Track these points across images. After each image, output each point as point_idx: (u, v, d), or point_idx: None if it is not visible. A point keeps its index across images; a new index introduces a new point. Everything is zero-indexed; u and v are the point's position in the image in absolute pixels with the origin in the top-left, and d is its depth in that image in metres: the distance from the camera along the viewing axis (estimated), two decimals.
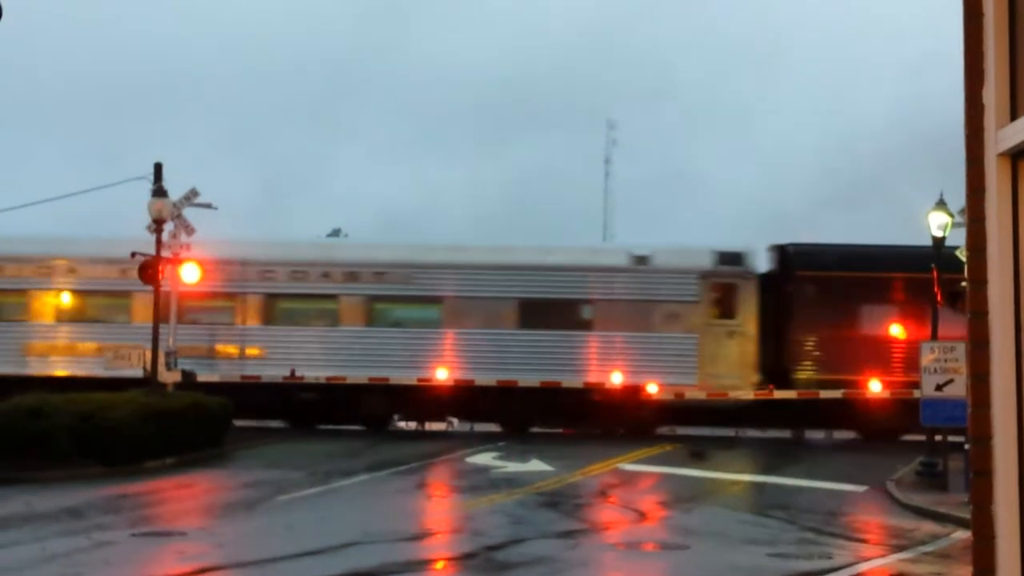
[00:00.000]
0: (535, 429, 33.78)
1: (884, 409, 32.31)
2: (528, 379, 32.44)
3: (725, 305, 32.98)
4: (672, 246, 33.87)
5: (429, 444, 30.67)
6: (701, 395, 32.29)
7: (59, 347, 33.12)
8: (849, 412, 32.51)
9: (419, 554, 15.93)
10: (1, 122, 67.17)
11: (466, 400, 33.25)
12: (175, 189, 30.73)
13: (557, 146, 78.13)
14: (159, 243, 28.54)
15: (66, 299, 33.52)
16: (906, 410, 32.08)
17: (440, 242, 35.72)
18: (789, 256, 33.59)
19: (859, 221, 58.86)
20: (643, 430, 32.93)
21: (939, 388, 22.44)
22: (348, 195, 75.04)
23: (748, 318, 32.86)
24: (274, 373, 32.55)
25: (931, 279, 32.21)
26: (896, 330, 32.55)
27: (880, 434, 32.52)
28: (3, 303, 33.66)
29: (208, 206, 32.62)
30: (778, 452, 30.23)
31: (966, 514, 16.31)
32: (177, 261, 30.34)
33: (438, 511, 20.96)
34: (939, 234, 24.70)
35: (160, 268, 28.46)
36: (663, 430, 34.18)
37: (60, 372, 32.30)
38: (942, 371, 22.48)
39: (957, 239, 24.02)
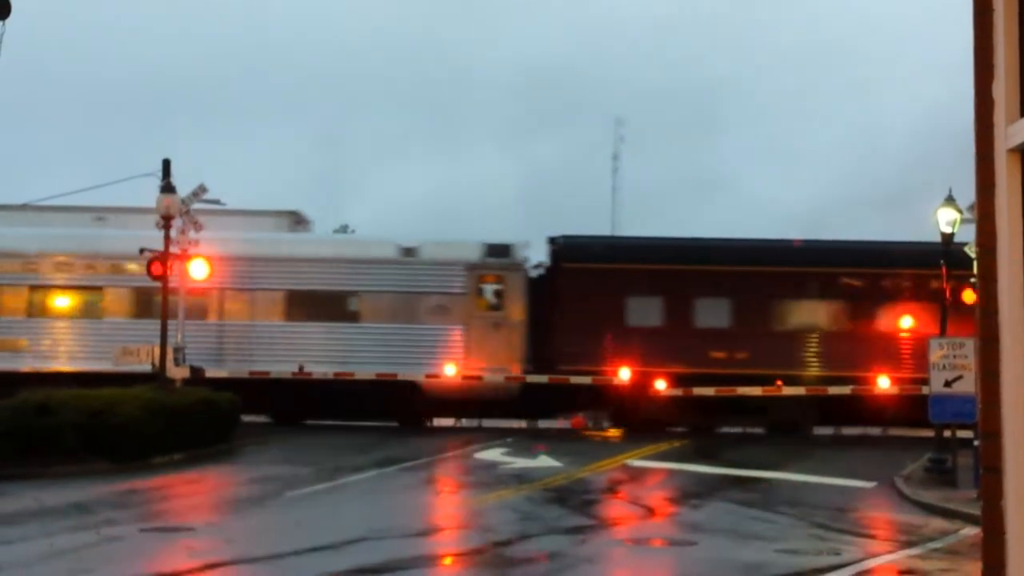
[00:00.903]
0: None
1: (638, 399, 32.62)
2: (284, 370, 32.43)
3: (492, 297, 33.33)
4: (441, 238, 33.94)
5: (438, 440, 30.68)
6: (457, 380, 32.50)
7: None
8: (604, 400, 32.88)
9: (427, 550, 15.94)
10: (28, 121, 67.40)
11: (231, 391, 32.45)
12: (213, 192, 31.55)
13: (588, 143, 78.29)
14: (167, 239, 28.56)
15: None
16: (677, 402, 32.37)
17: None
18: (558, 248, 33.76)
19: (880, 221, 58.80)
20: (413, 422, 33.12)
21: (948, 384, 22.43)
22: (377, 192, 74.89)
23: (515, 310, 33.10)
24: (38, 365, 32.48)
25: (701, 271, 32.64)
26: (660, 321, 32.73)
27: (645, 427, 32.82)
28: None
29: (216, 202, 32.64)
30: (787, 448, 30.17)
31: (975, 510, 16.26)
32: (185, 257, 30.34)
33: (446, 507, 20.97)
34: (947, 230, 24.59)
35: (168, 264, 28.50)
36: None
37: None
38: (951, 367, 22.47)
39: (966, 235, 23.99)
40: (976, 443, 18.86)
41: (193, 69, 73.92)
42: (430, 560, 15.20)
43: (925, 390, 31.02)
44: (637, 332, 32.47)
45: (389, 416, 33.42)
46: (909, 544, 16.67)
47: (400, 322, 32.96)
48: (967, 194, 23.39)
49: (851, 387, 32.06)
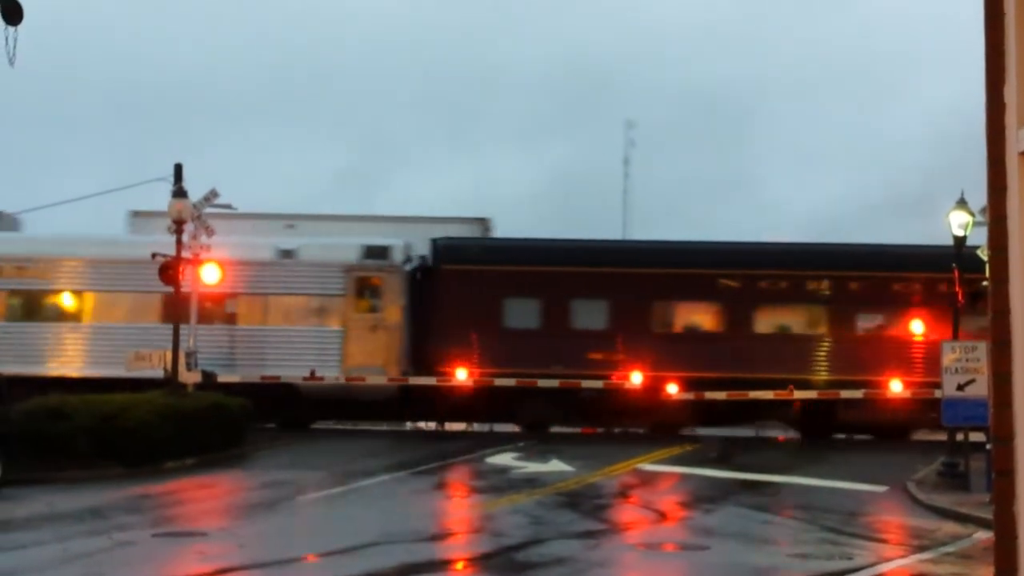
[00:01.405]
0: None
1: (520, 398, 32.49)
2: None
3: (371, 298, 33.22)
4: (320, 240, 33.65)
5: (449, 444, 30.67)
6: (340, 381, 32.27)
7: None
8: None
9: (439, 554, 15.95)
10: (42, 124, 67.53)
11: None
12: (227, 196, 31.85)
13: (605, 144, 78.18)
14: (179, 244, 28.61)
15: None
16: (568, 399, 32.26)
17: (84, 235, 34.36)
18: (438, 250, 33.64)
19: (899, 226, 58.63)
20: (292, 425, 32.86)
21: (960, 388, 22.37)
22: (390, 192, 74.77)
23: (393, 311, 32.89)
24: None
25: (577, 273, 32.53)
26: (537, 323, 32.66)
27: (539, 426, 32.74)
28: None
29: (227, 207, 32.69)
30: (798, 452, 30.14)
31: (988, 514, 16.18)
32: (197, 262, 30.42)
33: (458, 511, 20.98)
34: (960, 233, 24.51)
35: (180, 269, 28.58)
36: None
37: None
38: (963, 371, 22.40)
39: (978, 239, 23.89)
40: (988, 446, 18.83)
41: (211, 71, 74.02)
42: (442, 565, 15.22)
43: (799, 393, 31.37)
44: (515, 334, 32.49)
45: (268, 418, 32.58)
46: (921, 548, 16.65)
47: (278, 324, 32.95)
48: (980, 197, 23.30)
49: (727, 392, 31.76)
